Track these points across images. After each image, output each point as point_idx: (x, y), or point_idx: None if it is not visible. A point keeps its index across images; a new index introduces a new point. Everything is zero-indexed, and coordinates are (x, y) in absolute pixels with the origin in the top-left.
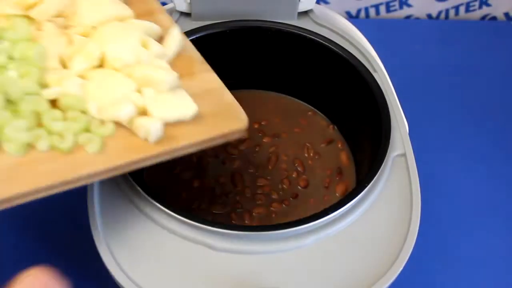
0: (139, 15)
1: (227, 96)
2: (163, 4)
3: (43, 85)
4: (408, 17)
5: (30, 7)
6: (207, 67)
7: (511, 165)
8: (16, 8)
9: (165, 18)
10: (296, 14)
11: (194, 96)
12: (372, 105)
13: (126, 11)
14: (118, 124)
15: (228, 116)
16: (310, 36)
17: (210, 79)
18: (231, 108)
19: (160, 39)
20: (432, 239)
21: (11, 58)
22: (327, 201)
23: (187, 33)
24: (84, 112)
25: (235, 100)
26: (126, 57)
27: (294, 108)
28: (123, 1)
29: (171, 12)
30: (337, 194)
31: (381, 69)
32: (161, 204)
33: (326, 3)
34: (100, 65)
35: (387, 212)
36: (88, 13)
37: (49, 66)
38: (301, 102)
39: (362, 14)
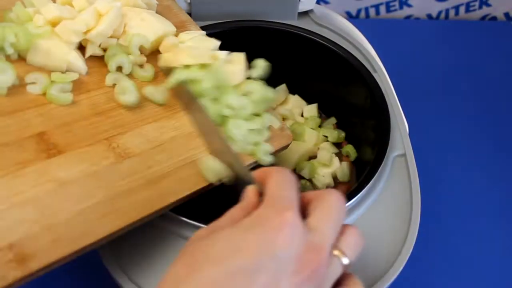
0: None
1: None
2: None
3: None
4: (408, 17)
5: (88, 31)
6: None
7: (511, 164)
8: (76, 35)
9: (195, 29)
10: (297, 14)
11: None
12: (372, 105)
13: (171, 27)
14: None
15: (277, 134)
16: (310, 36)
17: None
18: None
19: None
20: (432, 239)
21: None
22: None
23: None
24: None
25: (279, 119)
26: None
27: None
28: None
29: None
30: None
31: (381, 69)
32: None
33: (326, 3)
34: None
35: (387, 212)
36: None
37: None
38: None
39: (362, 14)
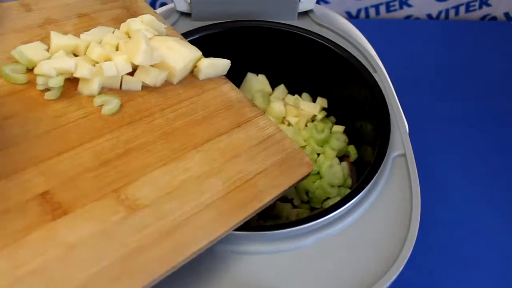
0: None
1: (287, 141)
2: (163, 4)
3: None
4: (408, 17)
5: None
6: (258, 110)
7: (511, 165)
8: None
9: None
10: (296, 14)
11: (259, 145)
12: (372, 105)
13: (197, 52)
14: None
15: (296, 163)
16: (310, 36)
17: (265, 123)
18: (296, 154)
19: None
20: (432, 239)
21: None
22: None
23: (187, 33)
24: None
25: (294, 143)
26: None
27: None
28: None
29: (171, 12)
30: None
31: (381, 69)
32: None
33: (326, 3)
34: None
35: (387, 212)
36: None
37: None
38: None
39: (362, 14)
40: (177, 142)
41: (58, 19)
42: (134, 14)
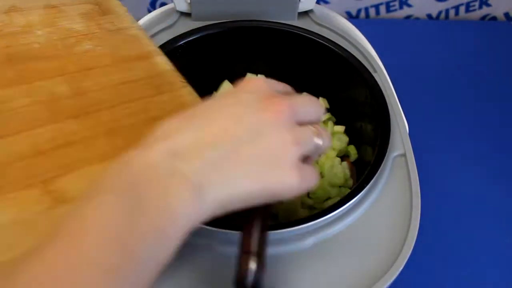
0: None
1: None
2: (163, 4)
3: None
4: (408, 17)
5: None
6: None
7: (511, 165)
8: None
9: (162, 60)
10: (296, 14)
11: None
12: (372, 105)
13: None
14: None
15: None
16: (310, 36)
17: None
18: None
19: None
20: (432, 239)
21: None
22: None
23: (187, 33)
24: None
25: None
26: None
27: None
28: None
29: (171, 12)
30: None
31: (381, 69)
32: None
33: (326, 3)
34: None
35: (387, 212)
36: None
37: None
38: None
39: (362, 14)
40: (121, 140)
41: (24, 8)
42: (106, 11)
